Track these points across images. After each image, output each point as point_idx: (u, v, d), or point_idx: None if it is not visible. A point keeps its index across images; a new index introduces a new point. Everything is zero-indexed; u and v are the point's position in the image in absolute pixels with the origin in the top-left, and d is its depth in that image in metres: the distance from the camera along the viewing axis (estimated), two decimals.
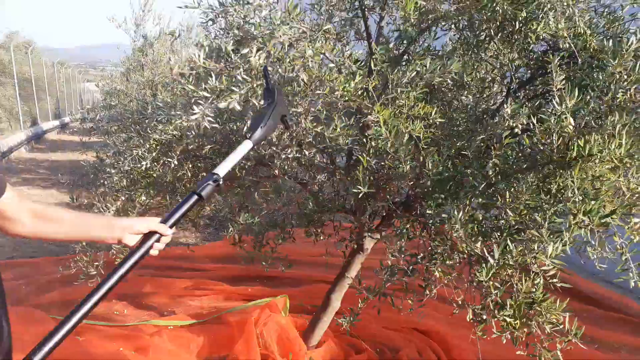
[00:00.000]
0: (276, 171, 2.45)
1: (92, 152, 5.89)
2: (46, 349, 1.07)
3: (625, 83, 1.56)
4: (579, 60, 1.86)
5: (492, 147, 1.86)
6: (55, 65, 19.26)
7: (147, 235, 1.25)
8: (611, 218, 1.17)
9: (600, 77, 1.66)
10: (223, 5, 2.01)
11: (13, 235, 1.22)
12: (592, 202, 1.18)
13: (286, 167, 2.45)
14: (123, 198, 2.33)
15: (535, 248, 1.27)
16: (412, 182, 2.00)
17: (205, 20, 2.15)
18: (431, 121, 1.84)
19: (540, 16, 1.82)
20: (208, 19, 2.11)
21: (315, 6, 2.19)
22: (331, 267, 3.44)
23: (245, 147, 1.48)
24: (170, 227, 1.29)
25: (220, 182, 1.38)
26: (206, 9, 1.95)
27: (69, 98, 22.04)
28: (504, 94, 2.29)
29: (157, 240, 1.26)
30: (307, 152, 2.36)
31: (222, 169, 1.40)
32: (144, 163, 2.34)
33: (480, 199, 1.46)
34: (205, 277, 3.88)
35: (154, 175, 2.36)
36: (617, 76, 1.57)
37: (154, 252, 1.27)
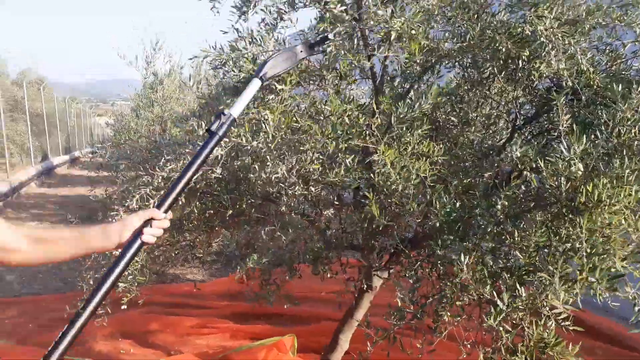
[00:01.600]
0: (283, 207, 2.45)
1: (101, 187, 5.95)
2: (59, 351, 1.10)
3: (630, 122, 1.56)
4: (583, 97, 1.87)
5: (500, 186, 1.86)
6: (67, 100, 19.65)
7: (143, 226, 1.23)
8: (621, 267, 1.15)
9: (605, 115, 1.66)
10: (236, 49, 2.04)
11: (16, 265, 1.22)
12: (599, 257, 1.16)
13: (293, 204, 2.46)
14: None
15: (546, 293, 1.25)
16: (419, 220, 1.99)
17: (213, 66, 2.19)
18: (437, 159, 1.84)
19: (543, 55, 1.84)
20: (217, 66, 2.14)
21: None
22: (341, 303, 3.40)
23: (255, 85, 1.46)
24: (165, 211, 1.27)
25: (236, 119, 1.38)
26: (217, 56, 1.98)
27: (79, 133, 22.38)
28: (510, 130, 2.30)
29: (150, 225, 1.22)
30: (313, 189, 2.36)
31: (236, 109, 1.39)
32: (151, 201, 2.35)
33: (490, 243, 1.45)
34: (212, 315, 3.84)
35: None
36: (623, 115, 1.58)
37: (149, 238, 1.23)
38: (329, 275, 2.29)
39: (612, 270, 1.23)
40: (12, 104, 13.63)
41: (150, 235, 1.23)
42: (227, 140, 1.85)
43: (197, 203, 2.46)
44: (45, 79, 17.25)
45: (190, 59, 2.09)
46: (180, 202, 2.35)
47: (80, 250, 1.23)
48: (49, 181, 13.18)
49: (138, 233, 1.22)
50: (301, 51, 1.63)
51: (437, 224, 1.56)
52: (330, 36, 1.74)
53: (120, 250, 1.23)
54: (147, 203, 2.39)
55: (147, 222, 1.23)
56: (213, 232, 2.78)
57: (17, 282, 5.01)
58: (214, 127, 1.33)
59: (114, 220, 2.03)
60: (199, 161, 1.31)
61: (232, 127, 1.40)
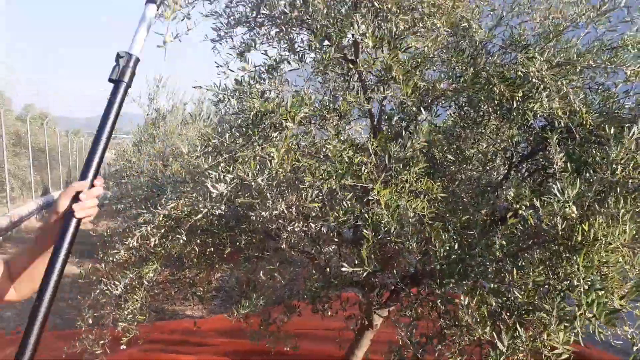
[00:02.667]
0: (283, 244, 2.45)
1: (102, 221, 5.95)
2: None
3: (624, 161, 1.59)
4: (577, 136, 1.91)
5: (497, 223, 1.87)
6: (70, 135, 19.84)
7: (72, 203, 1.15)
8: (620, 305, 1.16)
9: (599, 154, 1.69)
10: (239, 83, 2.09)
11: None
12: (597, 292, 1.17)
13: (293, 240, 2.46)
14: (132, 275, 2.33)
15: (545, 336, 1.26)
16: (419, 258, 2.00)
17: (216, 100, 2.24)
18: (434, 196, 1.86)
19: (536, 95, 1.88)
20: (218, 100, 2.20)
21: (320, 88, 2.29)
22: (342, 341, 3.36)
23: (151, 11, 1.24)
24: (92, 178, 1.17)
25: (139, 59, 1.20)
26: (222, 90, 2.02)
27: (80, 166, 22.49)
28: (507, 167, 2.33)
29: (78, 199, 1.15)
30: (313, 226, 2.38)
31: (136, 48, 1.21)
32: (152, 240, 2.36)
33: (490, 284, 1.46)
34: (211, 353, 3.79)
35: (162, 251, 2.37)
36: (619, 157, 1.60)
37: (80, 213, 1.15)
38: (329, 313, 2.28)
39: (610, 306, 1.24)
40: (15, 138, 13.76)
41: (80, 210, 1.15)
42: (231, 176, 1.85)
43: (197, 241, 2.46)
44: (48, 113, 17.44)
45: (194, 87, 2.14)
46: (181, 241, 2.36)
47: (36, 260, 1.20)
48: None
49: (70, 212, 1.15)
50: None
51: (437, 265, 1.56)
52: None
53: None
54: (147, 241, 2.40)
55: (75, 198, 1.15)
56: (213, 269, 2.78)
57: (14, 319, 4.96)
58: (114, 75, 1.18)
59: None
60: (111, 117, 1.18)
61: (136, 70, 1.21)
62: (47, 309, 1.11)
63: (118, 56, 1.18)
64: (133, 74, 1.20)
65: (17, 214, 10.78)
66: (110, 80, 1.19)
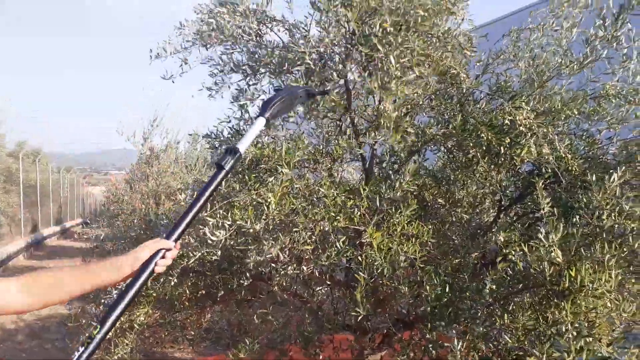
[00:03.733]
0: (275, 287, 2.44)
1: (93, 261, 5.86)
2: None
3: (610, 206, 1.63)
4: (563, 181, 1.95)
5: (487, 267, 1.89)
6: (62, 172, 19.76)
7: (153, 255, 1.25)
8: (608, 352, 1.17)
9: (585, 199, 1.73)
10: (237, 132, 2.14)
11: (15, 313, 1.19)
12: (586, 339, 1.19)
13: (285, 283, 2.45)
14: (122, 319, 2.30)
15: None
16: (411, 301, 2.00)
17: (210, 147, 2.28)
18: (425, 239, 1.88)
19: (523, 142, 1.94)
20: (213, 147, 2.24)
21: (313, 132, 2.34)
22: None
23: (260, 123, 1.49)
24: (175, 240, 1.29)
25: (242, 154, 1.41)
26: (221, 140, 2.07)
27: (71, 202, 22.32)
28: (496, 209, 2.37)
29: (163, 257, 1.25)
30: (305, 268, 2.38)
31: (242, 145, 1.42)
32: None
33: (480, 328, 1.47)
34: None
35: (154, 294, 2.36)
36: (603, 203, 1.63)
37: (160, 269, 1.25)
38: (321, 358, 2.26)
39: (598, 353, 1.25)
40: (7, 175, 13.68)
41: (161, 266, 1.26)
42: (229, 222, 1.89)
43: (189, 283, 2.45)
44: (41, 150, 17.38)
45: (190, 134, 2.18)
46: (172, 282, 2.35)
47: (87, 286, 1.22)
48: (37, 253, 12.97)
49: (147, 263, 1.24)
50: (300, 96, 1.69)
51: (428, 309, 1.57)
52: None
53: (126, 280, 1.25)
54: None
55: (156, 253, 1.26)
56: (204, 311, 2.76)
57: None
58: (223, 162, 1.37)
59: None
60: (207, 194, 1.35)
61: (237, 164, 1.44)
62: (101, 339, 1.18)
63: (228, 149, 1.40)
64: (233, 166, 1.40)
65: (5, 251, 10.62)
66: (216, 164, 1.39)
